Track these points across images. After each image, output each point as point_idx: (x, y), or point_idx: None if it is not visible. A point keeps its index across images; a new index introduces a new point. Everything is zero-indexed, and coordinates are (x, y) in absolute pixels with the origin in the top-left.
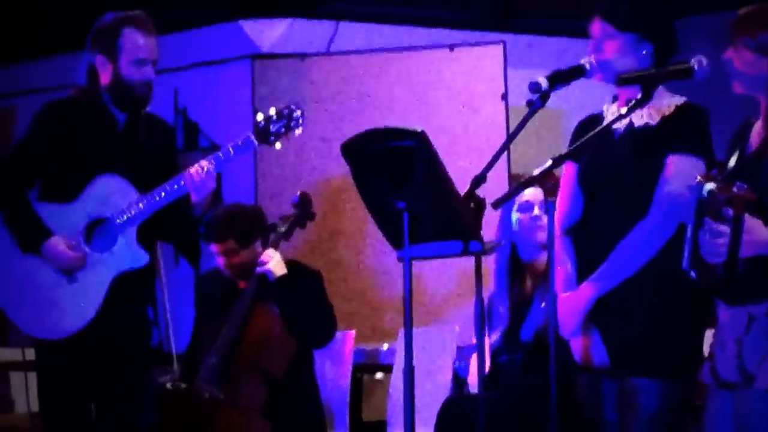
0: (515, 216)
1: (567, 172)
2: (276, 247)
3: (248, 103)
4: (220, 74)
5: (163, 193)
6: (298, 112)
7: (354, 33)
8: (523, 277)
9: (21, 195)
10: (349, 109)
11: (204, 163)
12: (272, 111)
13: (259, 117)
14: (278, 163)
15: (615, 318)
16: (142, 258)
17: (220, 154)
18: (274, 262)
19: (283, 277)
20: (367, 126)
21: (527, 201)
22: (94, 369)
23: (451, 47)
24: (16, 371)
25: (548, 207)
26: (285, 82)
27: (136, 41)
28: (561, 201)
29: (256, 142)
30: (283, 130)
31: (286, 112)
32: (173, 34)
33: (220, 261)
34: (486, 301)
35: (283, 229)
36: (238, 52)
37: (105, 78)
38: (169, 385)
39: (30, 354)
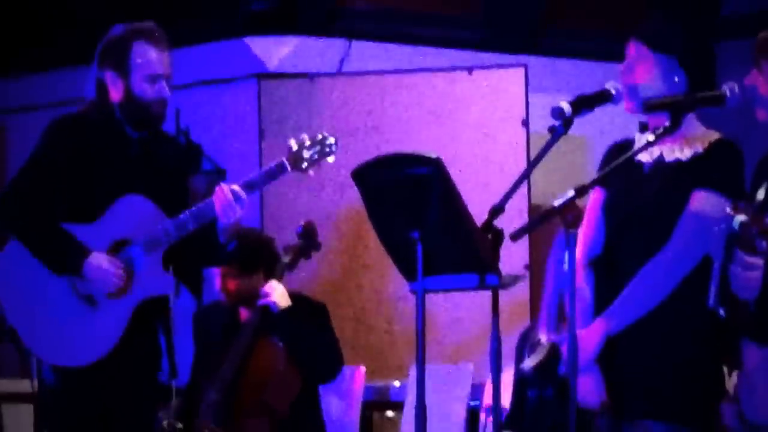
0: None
1: (594, 199)
2: (280, 278)
3: (254, 125)
4: (224, 94)
5: (192, 218)
6: (332, 140)
7: (367, 53)
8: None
9: (45, 214)
10: (360, 134)
11: (235, 187)
12: (305, 137)
13: (293, 143)
14: (285, 189)
15: (630, 356)
16: (168, 284)
17: (253, 180)
18: (277, 293)
19: (287, 309)
20: (379, 151)
21: None
22: (106, 398)
23: (470, 70)
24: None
25: (569, 240)
26: (293, 104)
27: (149, 56)
28: (586, 229)
29: (289, 168)
30: (316, 156)
31: (319, 138)
32: (175, 50)
33: (218, 284)
34: (526, 327)
35: (286, 260)
36: (244, 70)
37: (116, 95)
38: (165, 423)
39: (25, 385)
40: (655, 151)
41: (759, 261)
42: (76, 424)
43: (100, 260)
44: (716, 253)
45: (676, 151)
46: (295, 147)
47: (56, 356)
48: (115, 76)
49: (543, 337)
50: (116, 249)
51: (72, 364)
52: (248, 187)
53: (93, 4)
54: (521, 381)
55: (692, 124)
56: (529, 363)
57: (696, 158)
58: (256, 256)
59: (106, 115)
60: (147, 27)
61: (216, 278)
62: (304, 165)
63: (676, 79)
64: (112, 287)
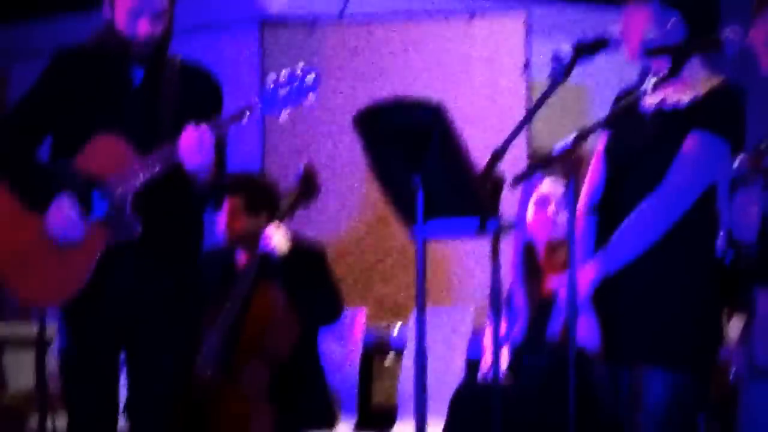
0: (531, 209)
1: (600, 146)
2: (279, 223)
3: (256, 71)
4: (225, 38)
5: (158, 158)
6: (312, 76)
7: None
8: (542, 272)
9: (28, 151)
10: (362, 79)
11: (202, 127)
12: (283, 74)
13: (269, 80)
14: (287, 135)
15: (626, 301)
16: (134, 229)
17: (219, 121)
18: (277, 238)
19: (287, 254)
20: (380, 97)
21: (544, 196)
22: (127, 343)
23: (471, 16)
24: (11, 346)
25: (569, 185)
26: (295, 50)
27: None
28: (591, 177)
29: (260, 111)
30: (291, 97)
31: (298, 75)
32: None
33: (222, 221)
34: (506, 285)
35: (286, 205)
36: (245, 14)
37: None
38: None
39: (26, 329)
40: (658, 97)
41: (756, 192)
42: (89, 371)
43: (64, 206)
44: (724, 202)
45: (677, 96)
46: (270, 84)
47: (24, 293)
48: (108, 7)
49: (519, 302)
50: (87, 190)
51: (38, 305)
52: (215, 127)
53: None
54: (515, 352)
55: (695, 70)
56: (513, 330)
57: (695, 102)
58: (263, 197)
59: (109, 48)
60: None
61: (221, 217)
62: (279, 105)
63: (678, 27)
64: (69, 236)
